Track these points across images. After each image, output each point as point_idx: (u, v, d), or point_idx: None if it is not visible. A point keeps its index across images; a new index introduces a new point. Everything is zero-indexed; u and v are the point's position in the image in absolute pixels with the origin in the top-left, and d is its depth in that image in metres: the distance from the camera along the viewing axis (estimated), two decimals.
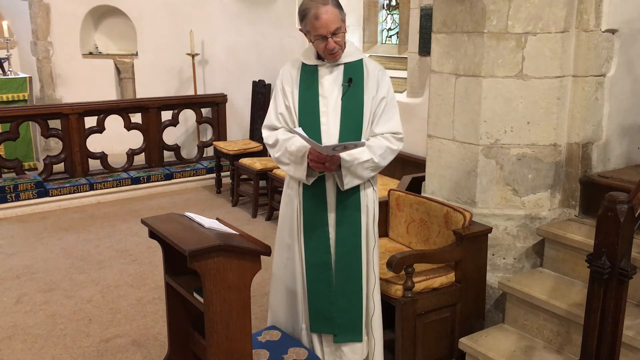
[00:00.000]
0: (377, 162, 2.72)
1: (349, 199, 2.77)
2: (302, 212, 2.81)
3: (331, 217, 2.79)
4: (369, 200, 2.83)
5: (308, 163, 2.67)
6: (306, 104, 2.76)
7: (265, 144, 2.87)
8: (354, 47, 2.82)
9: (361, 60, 2.78)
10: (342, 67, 2.75)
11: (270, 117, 2.84)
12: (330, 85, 2.75)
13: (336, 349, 2.88)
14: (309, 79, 2.77)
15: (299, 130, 2.58)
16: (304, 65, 2.81)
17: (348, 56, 2.76)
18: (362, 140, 2.71)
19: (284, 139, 2.76)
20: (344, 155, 2.64)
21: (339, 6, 2.65)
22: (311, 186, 2.76)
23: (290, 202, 2.87)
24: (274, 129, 2.83)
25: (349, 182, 2.70)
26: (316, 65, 2.78)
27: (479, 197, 3.34)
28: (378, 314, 2.89)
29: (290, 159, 2.74)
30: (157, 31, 7.63)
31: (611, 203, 2.09)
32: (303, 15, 2.65)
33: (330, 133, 2.72)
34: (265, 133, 2.86)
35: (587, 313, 2.22)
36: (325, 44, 2.64)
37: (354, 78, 2.73)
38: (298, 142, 2.70)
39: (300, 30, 2.74)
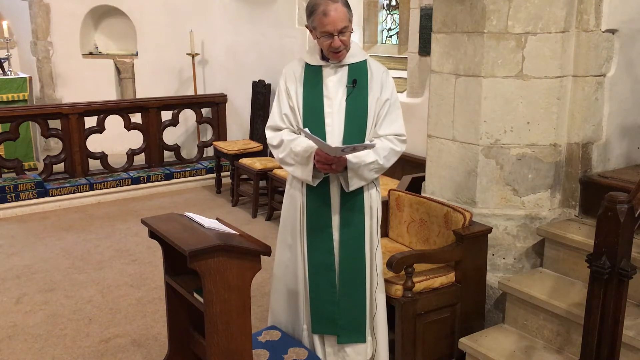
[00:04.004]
0: (382, 163, 2.72)
1: (353, 200, 2.77)
2: (305, 212, 2.81)
3: (335, 219, 2.78)
4: (373, 201, 2.83)
5: (314, 164, 2.67)
6: (310, 105, 2.75)
7: (269, 144, 2.85)
8: (358, 47, 2.82)
9: (365, 61, 2.78)
10: (346, 68, 2.75)
11: (274, 118, 2.82)
12: (335, 86, 2.74)
13: (339, 349, 2.88)
14: (313, 79, 2.76)
15: (308, 130, 2.58)
16: (307, 65, 2.79)
17: (352, 57, 2.75)
18: (366, 142, 2.71)
19: (289, 140, 2.74)
20: (350, 157, 2.63)
21: (347, 5, 2.65)
22: (315, 187, 2.75)
23: (293, 202, 2.86)
24: (278, 129, 2.81)
25: (354, 184, 2.71)
26: (320, 66, 2.77)
27: (479, 197, 3.34)
28: (382, 314, 2.89)
29: (295, 160, 2.73)
30: (157, 31, 7.63)
31: (611, 203, 2.09)
32: (311, 11, 2.64)
33: (334, 134, 2.71)
34: (269, 134, 2.84)
35: (587, 313, 2.22)
36: (331, 41, 2.62)
37: (358, 79, 2.72)
38: (304, 142, 2.69)
39: (307, 27, 2.74)
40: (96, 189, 6.24)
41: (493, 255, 3.32)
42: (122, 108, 6.61)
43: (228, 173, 6.64)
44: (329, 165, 2.63)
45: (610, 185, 3.12)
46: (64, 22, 7.78)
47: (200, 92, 7.53)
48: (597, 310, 2.16)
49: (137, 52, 7.92)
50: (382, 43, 6.25)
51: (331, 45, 2.64)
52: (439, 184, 3.58)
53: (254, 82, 6.75)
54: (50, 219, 5.71)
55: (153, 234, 2.74)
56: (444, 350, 3.14)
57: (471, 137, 3.32)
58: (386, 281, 2.95)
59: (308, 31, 2.80)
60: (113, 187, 6.34)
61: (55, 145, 7.64)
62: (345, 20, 2.61)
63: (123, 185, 6.40)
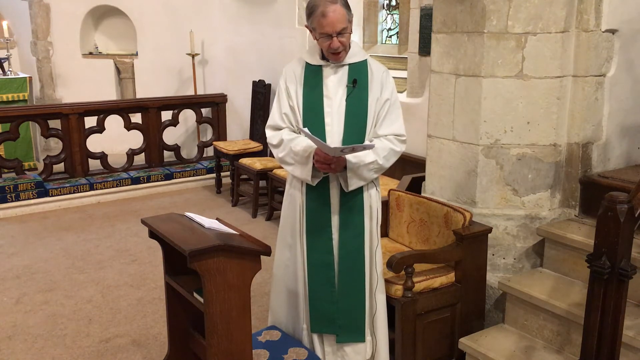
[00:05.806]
0: (381, 163, 2.72)
1: (353, 200, 2.77)
2: (305, 212, 2.81)
3: (334, 219, 2.78)
4: (373, 201, 2.83)
5: (313, 164, 2.66)
6: (310, 104, 2.75)
7: (269, 144, 2.85)
8: (358, 47, 2.82)
9: (365, 61, 2.78)
10: (346, 68, 2.75)
11: (274, 117, 2.83)
12: (335, 85, 2.74)
13: (338, 349, 2.88)
14: (313, 79, 2.76)
15: (307, 130, 2.58)
16: (307, 65, 2.79)
17: (352, 57, 2.75)
18: (366, 141, 2.70)
19: (289, 139, 2.75)
20: (349, 157, 2.63)
21: (347, 6, 2.64)
22: (315, 187, 2.75)
23: (293, 202, 2.86)
24: (278, 129, 2.81)
25: (353, 184, 2.71)
26: (320, 66, 2.77)
27: (479, 197, 3.34)
28: (382, 313, 2.89)
29: (294, 159, 2.73)
30: (157, 31, 7.63)
31: (611, 203, 2.09)
32: (311, 11, 2.64)
33: (334, 133, 2.72)
34: (269, 133, 2.84)
35: (587, 313, 2.22)
36: (330, 42, 2.62)
37: (358, 79, 2.72)
38: (303, 142, 2.69)
39: (306, 26, 2.74)
40: (96, 189, 6.24)
41: (493, 255, 3.32)
42: (122, 108, 6.61)
43: (228, 173, 6.64)
44: (328, 165, 2.63)
45: (610, 185, 3.12)
46: (64, 22, 7.78)
47: (200, 92, 7.53)
48: (597, 310, 2.16)
49: (137, 52, 7.92)
50: (382, 43, 6.25)
51: (330, 46, 2.64)
52: (439, 184, 3.58)
53: (254, 82, 6.75)
54: (50, 219, 5.71)
55: (153, 234, 2.74)
56: (444, 350, 3.14)
57: (471, 137, 3.32)
58: (386, 281, 2.95)
59: (308, 31, 2.80)
60: (113, 187, 6.34)
61: (55, 145, 7.64)
62: (344, 22, 2.61)
63: (123, 185, 6.40)
